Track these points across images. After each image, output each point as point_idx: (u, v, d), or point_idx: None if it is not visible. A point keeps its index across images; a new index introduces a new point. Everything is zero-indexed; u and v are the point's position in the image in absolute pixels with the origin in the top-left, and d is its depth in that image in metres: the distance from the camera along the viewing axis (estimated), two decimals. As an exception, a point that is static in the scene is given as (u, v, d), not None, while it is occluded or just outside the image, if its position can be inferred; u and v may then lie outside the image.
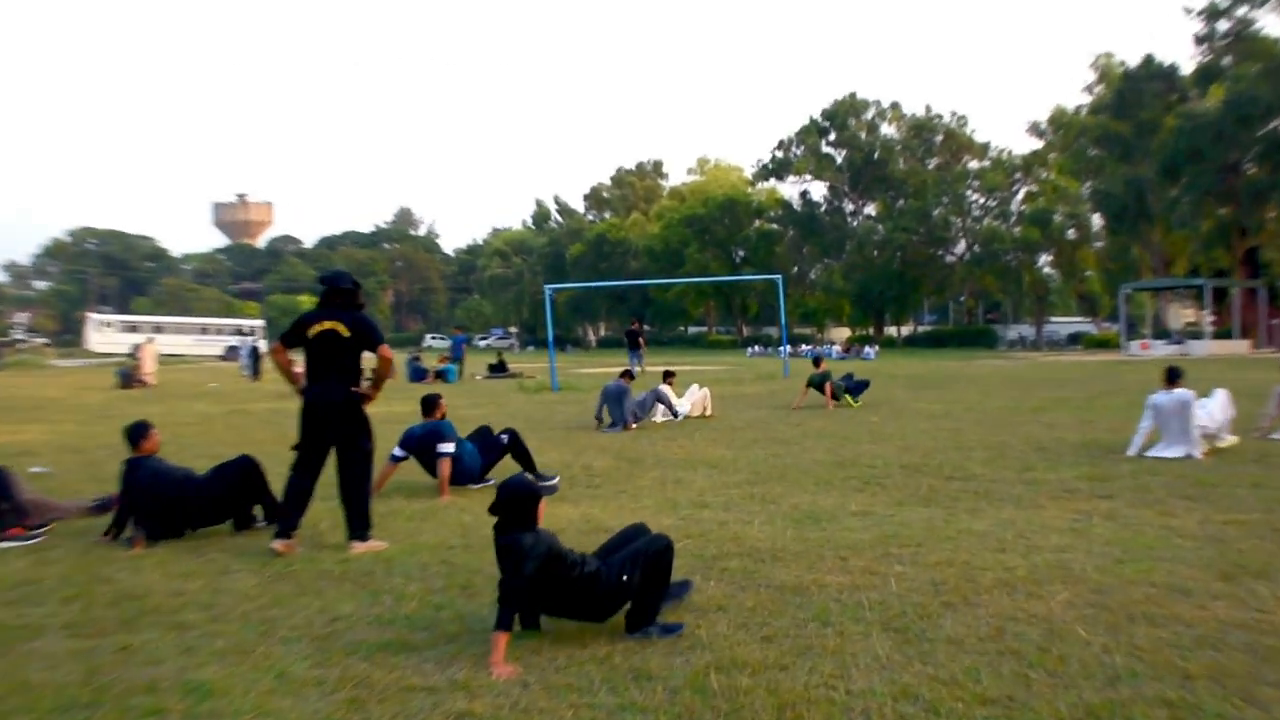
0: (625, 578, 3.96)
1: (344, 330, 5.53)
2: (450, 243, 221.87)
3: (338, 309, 5.58)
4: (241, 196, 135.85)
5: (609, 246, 71.02)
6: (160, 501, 5.75)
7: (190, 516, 5.92)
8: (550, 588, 3.87)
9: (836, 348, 46.00)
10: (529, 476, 4.20)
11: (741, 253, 66.06)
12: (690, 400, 13.16)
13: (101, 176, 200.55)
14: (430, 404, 7.37)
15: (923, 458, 8.63)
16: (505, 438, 7.53)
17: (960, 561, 4.89)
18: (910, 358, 39.54)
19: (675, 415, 12.18)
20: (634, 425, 11.70)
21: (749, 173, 66.62)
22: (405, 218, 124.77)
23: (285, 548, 5.34)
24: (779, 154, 61.42)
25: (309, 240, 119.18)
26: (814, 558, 5.05)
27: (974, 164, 54.84)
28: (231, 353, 47.62)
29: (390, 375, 5.69)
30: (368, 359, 5.64)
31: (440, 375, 24.89)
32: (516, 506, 3.90)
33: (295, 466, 5.52)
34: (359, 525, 5.55)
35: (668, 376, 13.13)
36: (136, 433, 5.94)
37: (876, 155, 57.80)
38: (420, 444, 7.26)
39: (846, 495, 6.89)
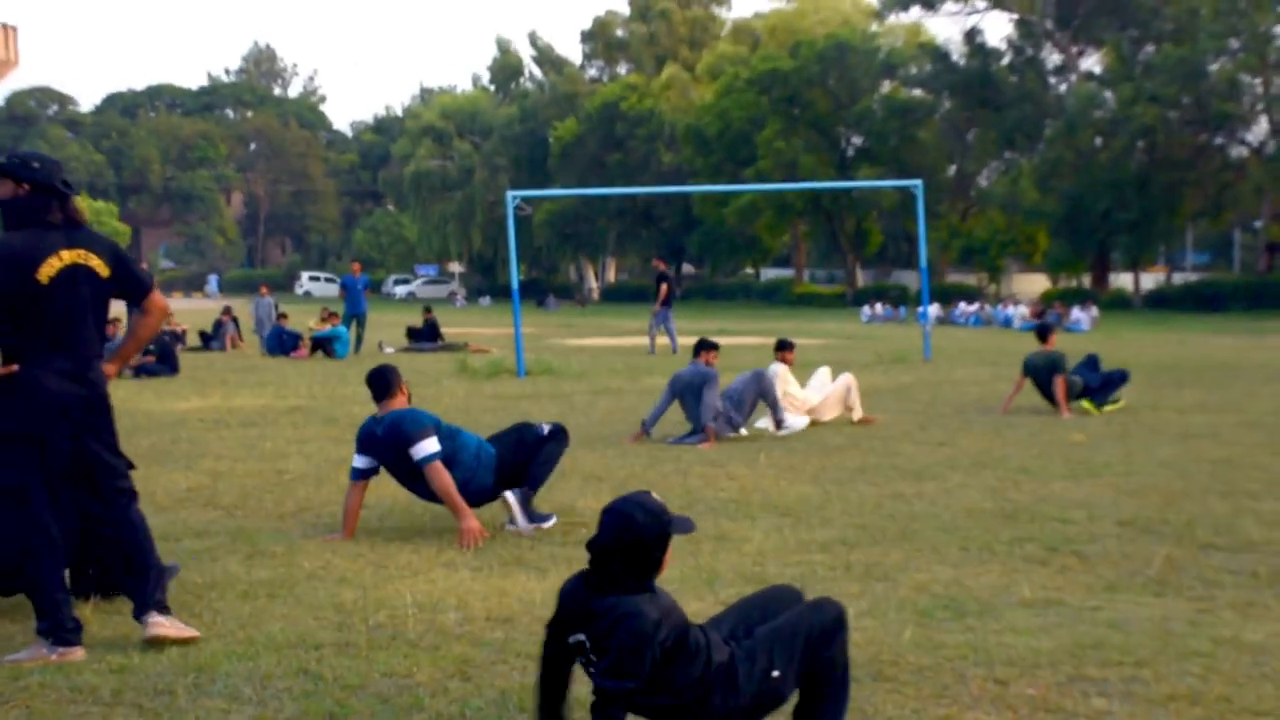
0: (776, 674, 4.15)
1: (103, 268, 5.59)
2: (345, 113, 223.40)
3: (78, 228, 5.59)
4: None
5: (624, 125, 71.21)
6: None
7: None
8: (652, 689, 4.01)
9: (1023, 309, 45.91)
10: (655, 498, 4.21)
11: (857, 140, 66.00)
12: (820, 393, 13.63)
13: None
14: (382, 383, 7.87)
15: (1160, 509, 8.62)
16: (545, 427, 8.17)
17: (1216, 696, 4.89)
18: (1154, 329, 39.35)
19: (780, 425, 12.51)
20: (728, 433, 12.30)
21: (874, -3, 66.30)
22: (263, 64, 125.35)
23: (58, 658, 5.39)
24: (930, -38, 61.07)
25: (85, 99, 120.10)
26: (949, 678, 5.08)
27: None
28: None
29: (148, 339, 6.07)
30: None
31: (321, 345, 25.17)
32: (637, 546, 4.00)
33: (33, 506, 5.49)
34: (150, 586, 5.60)
35: (784, 348, 13.62)
36: None
37: (1106, -35, 57.29)
38: (386, 448, 7.75)
39: (1015, 570, 6.91)
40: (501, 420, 13.79)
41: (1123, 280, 61.45)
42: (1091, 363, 15.30)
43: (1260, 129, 53.95)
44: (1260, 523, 8.11)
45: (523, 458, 8.05)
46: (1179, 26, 53.32)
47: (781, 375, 13.19)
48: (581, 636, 4.06)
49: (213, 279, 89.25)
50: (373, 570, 6.92)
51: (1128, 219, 54.40)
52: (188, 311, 42.43)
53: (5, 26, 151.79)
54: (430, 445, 7.58)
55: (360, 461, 7.83)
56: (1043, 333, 15.07)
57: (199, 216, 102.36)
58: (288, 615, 6.04)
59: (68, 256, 5.47)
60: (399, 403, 7.82)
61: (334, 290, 71.96)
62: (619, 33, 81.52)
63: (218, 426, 13.34)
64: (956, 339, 33.86)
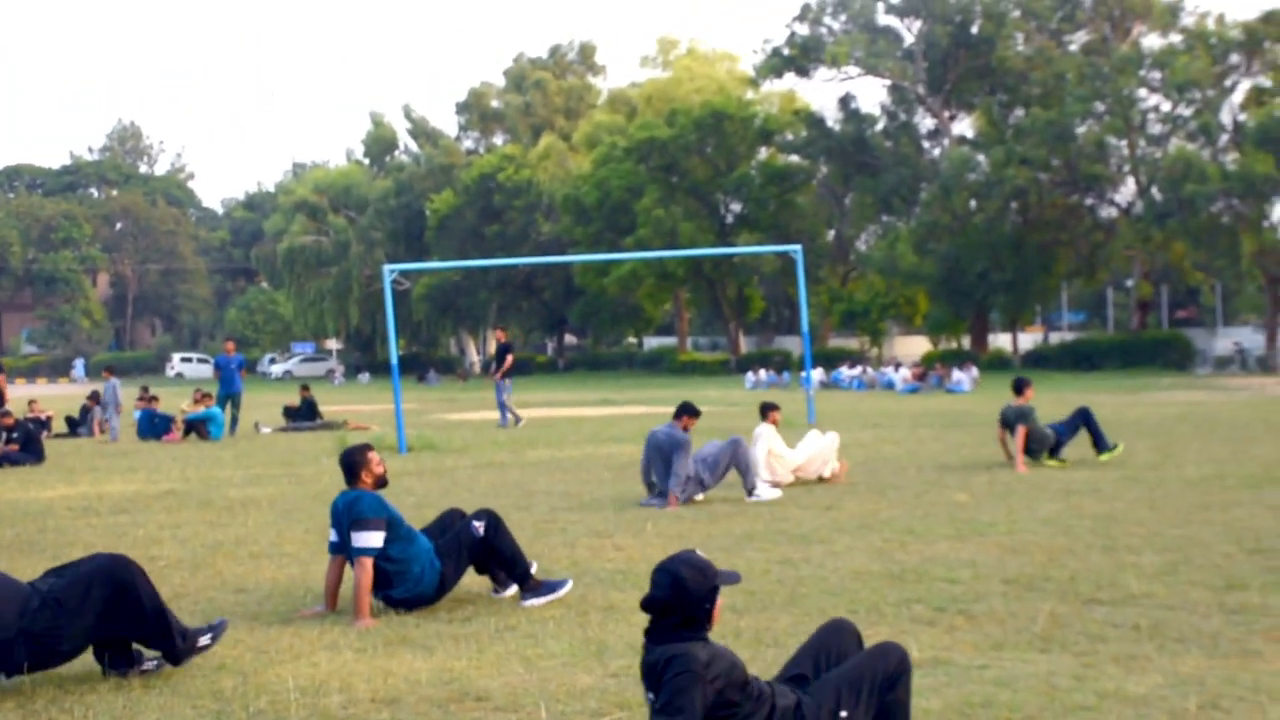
0: (844, 714, 4.49)
1: None
2: (215, 189, 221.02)
3: None
4: None
5: (503, 196, 71.38)
6: None
7: (34, 651, 6.10)
8: None
9: (905, 372, 46.65)
10: (700, 555, 4.63)
11: (736, 206, 66.85)
12: (807, 454, 14.13)
13: None
14: (352, 463, 7.92)
15: (1043, 566, 8.80)
16: (480, 527, 8.03)
17: (1099, 747, 5.01)
18: (1035, 389, 40.09)
19: (750, 492, 12.78)
20: (692, 496, 12.64)
21: (749, 65, 67.62)
22: (129, 142, 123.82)
23: None
24: (801, 30, 62.43)
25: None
26: (841, 742, 5.11)
27: (1151, 41, 56.12)
28: None
29: None
30: None
31: (195, 427, 24.77)
32: (686, 600, 4.44)
33: None
34: None
35: (768, 411, 14.20)
36: None
37: (976, 30, 59.04)
38: (341, 522, 7.83)
39: (903, 631, 7.00)
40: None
41: (1001, 340, 62.79)
42: (1076, 422, 15.91)
43: (1128, 190, 55.68)
44: (1141, 576, 8.31)
45: (465, 566, 8.02)
46: (1046, 90, 55.00)
47: (768, 435, 13.78)
48: (650, 695, 4.43)
49: (79, 363, 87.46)
50: (252, 655, 6.80)
51: (1004, 280, 55.68)
52: (53, 397, 41.54)
53: None
54: (372, 540, 7.59)
55: (334, 535, 7.89)
56: (1018, 387, 15.77)
57: (63, 299, 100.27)
58: (164, 706, 5.91)
59: None
60: (363, 485, 7.86)
61: (207, 371, 70.90)
62: (494, 104, 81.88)
63: (86, 514, 13.02)
64: (840, 403, 34.29)
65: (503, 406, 26.29)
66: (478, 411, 33.35)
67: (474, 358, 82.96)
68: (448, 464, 17.79)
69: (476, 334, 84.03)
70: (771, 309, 73.83)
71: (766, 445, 13.74)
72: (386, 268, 22.54)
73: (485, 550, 8.01)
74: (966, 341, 60.88)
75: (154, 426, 25.17)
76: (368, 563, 7.55)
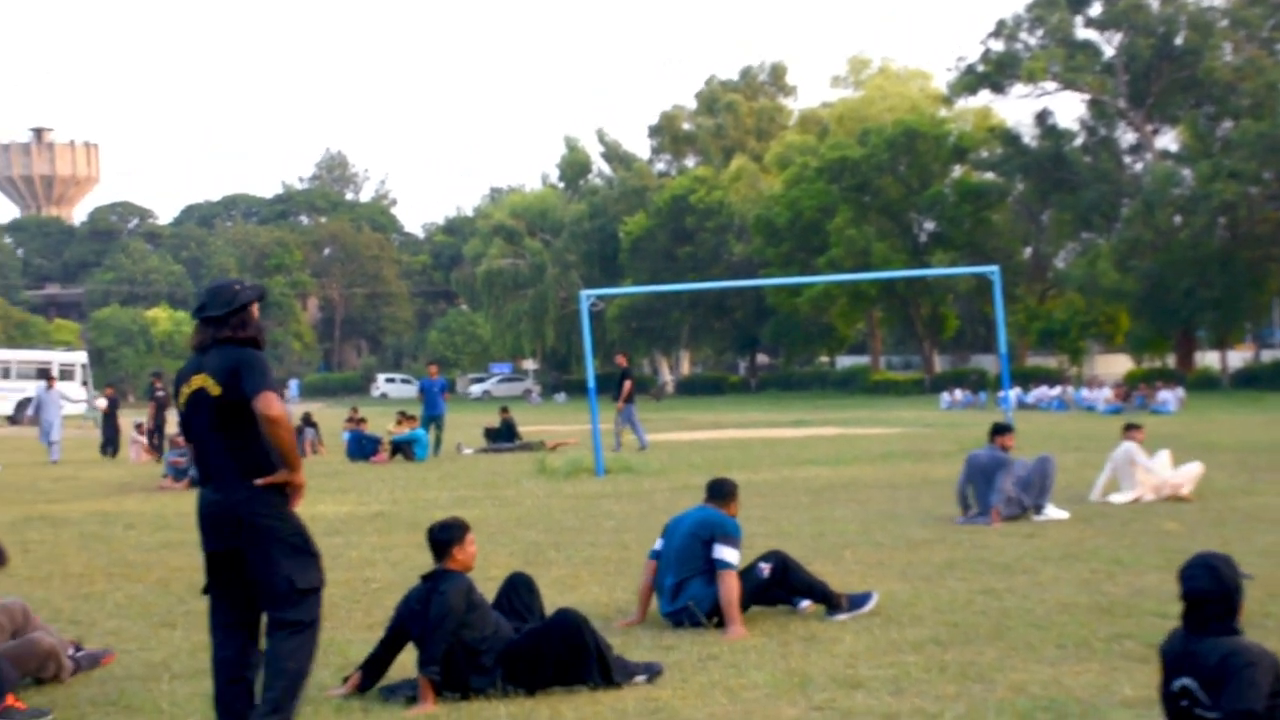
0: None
1: (213, 386, 5.68)
2: (417, 214, 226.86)
3: (210, 348, 5.74)
4: (41, 134, 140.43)
5: (694, 218, 71.70)
6: (471, 644, 6.67)
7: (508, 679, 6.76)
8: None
9: (1106, 393, 45.41)
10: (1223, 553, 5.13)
11: (929, 225, 66.01)
12: (1166, 473, 14.68)
13: None
14: (724, 490, 8.50)
15: (1261, 602, 8.34)
16: (766, 569, 8.38)
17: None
18: (1244, 409, 38.76)
19: (1039, 510, 13.08)
20: (1012, 515, 12.88)
21: (942, 82, 66.71)
22: (336, 171, 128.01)
23: None
24: (996, 46, 61.41)
25: (164, 212, 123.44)
26: (1053, 784, 5.02)
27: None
28: (24, 410, 48.33)
29: (287, 447, 5.79)
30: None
31: (401, 449, 25.36)
32: (1223, 590, 4.92)
33: (213, 629, 5.86)
34: None
35: (1130, 430, 14.75)
36: (450, 535, 6.95)
37: (1180, 41, 57.34)
38: (696, 529, 8.25)
39: (1115, 669, 6.84)
40: (581, 521, 13.86)
41: (1209, 359, 60.71)
42: None
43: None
44: (1367, 612, 7.94)
45: (746, 606, 8.24)
46: (1257, 101, 53.09)
47: (1138, 451, 14.38)
48: (1186, 681, 4.85)
49: (293, 384, 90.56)
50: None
51: (1211, 297, 53.88)
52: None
53: (87, 145, 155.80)
54: (735, 556, 8.03)
55: (659, 544, 8.40)
56: None
57: (276, 323, 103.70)
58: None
59: (195, 381, 5.74)
60: (726, 511, 8.37)
61: (411, 391, 72.76)
62: (686, 126, 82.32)
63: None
64: (1038, 424, 33.53)
65: (636, 426, 26.51)
66: (673, 432, 33.52)
67: (667, 377, 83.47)
68: (645, 487, 17.91)
69: (669, 354, 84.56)
70: (967, 327, 72.63)
71: (1142, 461, 14.33)
72: (583, 293, 22.84)
73: (776, 588, 8.34)
74: (1171, 360, 59.06)
75: (362, 448, 25.85)
76: (732, 575, 7.95)
